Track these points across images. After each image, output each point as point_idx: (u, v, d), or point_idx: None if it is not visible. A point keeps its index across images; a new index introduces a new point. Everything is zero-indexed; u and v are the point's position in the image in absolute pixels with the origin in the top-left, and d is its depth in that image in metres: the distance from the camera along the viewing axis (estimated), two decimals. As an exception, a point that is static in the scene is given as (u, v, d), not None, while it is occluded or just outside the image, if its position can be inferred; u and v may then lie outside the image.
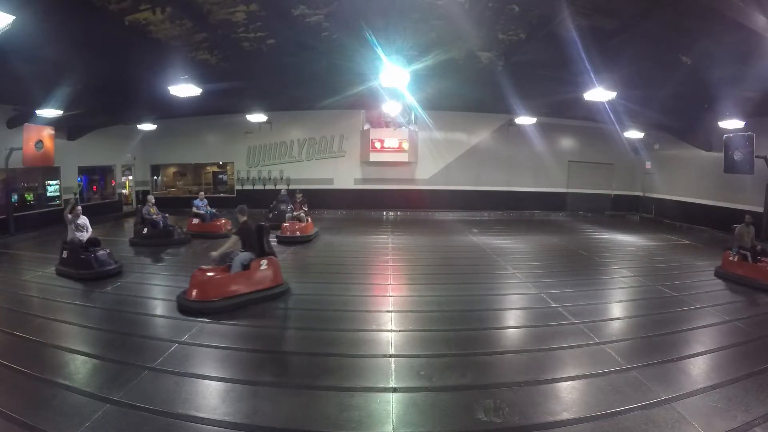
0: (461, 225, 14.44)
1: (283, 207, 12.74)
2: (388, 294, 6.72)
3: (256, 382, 3.94)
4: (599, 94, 8.69)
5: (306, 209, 11.81)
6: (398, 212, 16.74)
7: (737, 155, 10.54)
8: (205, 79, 8.81)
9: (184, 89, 8.60)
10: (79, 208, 7.80)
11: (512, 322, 5.86)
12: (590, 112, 12.30)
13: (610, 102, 9.69)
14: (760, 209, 10.77)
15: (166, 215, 11.01)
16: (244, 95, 12.01)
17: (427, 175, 16.98)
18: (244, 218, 6.44)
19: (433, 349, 4.70)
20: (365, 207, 16.64)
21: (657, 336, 5.06)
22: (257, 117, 14.50)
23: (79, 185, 14.72)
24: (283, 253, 9.27)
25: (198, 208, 11.83)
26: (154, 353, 4.41)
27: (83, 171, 14.82)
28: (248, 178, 17.25)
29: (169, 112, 13.58)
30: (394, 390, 3.79)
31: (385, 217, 16.44)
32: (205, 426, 3.25)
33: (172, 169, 19.66)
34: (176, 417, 3.33)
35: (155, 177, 18.96)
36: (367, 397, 3.69)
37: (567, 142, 17.26)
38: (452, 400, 3.67)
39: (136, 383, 3.81)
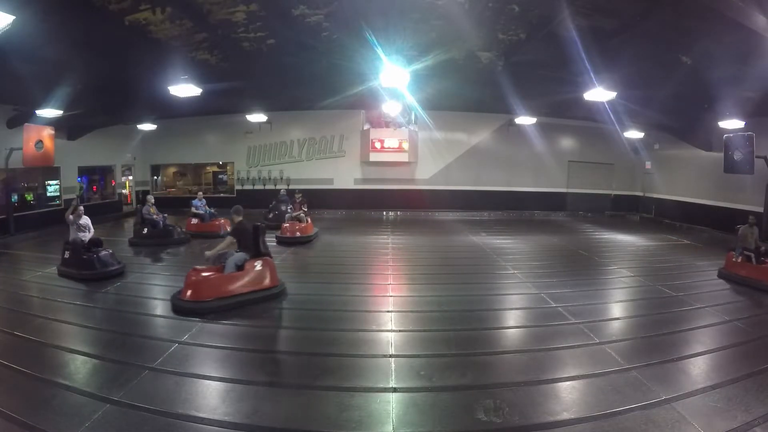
0: (461, 225, 14.44)
1: (282, 207, 12.74)
2: (388, 294, 6.72)
3: (256, 382, 3.94)
4: (599, 94, 8.69)
5: (305, 209, 11.79)
6: (398, 212, 16.74)
7: (737, 155, 10.53)
8: (205, 79, 8.80)
9: (184, 89, 8.60)
10: (81, 208, 7.80)
11: (512, 322, 5.86)
12: (590, 112, 12.29)
13: (610, 102, 9.68)
14: (760, 209, 10.75)
15: (165, 215, 11.02)
16: (244, 95, 12.01)
17: (427, 175, 16.98)
18: (240, 218, 6.41)
19: (433, 349, 4.70)
20: (365, 207, 16.63)
21: (657, 336, 5.06)
22: (257, 117, 14.49)
23: (81, 186, 14.72)
24: (282, 253, 9.28)
25: (197, 208, 11.85)
26: (154, 353, 4.41)
27: (83, 171, 14.81)
28: (248, 178, 17.24)
29: (169, 112, 13.57)
30: (394, 390, 3.79)
31: (385, 217, 16.43)
32: (205, 426, 3.25)
33: (172, 169, 19.65)
34: (176, 417, 3.33)
35: (155, 177, 18.96)
36: (367, 397, 3.69)
37: (567, 142, 17.25)
38: (452, 400, 3.66)
39: (136, 383, 3.81)
